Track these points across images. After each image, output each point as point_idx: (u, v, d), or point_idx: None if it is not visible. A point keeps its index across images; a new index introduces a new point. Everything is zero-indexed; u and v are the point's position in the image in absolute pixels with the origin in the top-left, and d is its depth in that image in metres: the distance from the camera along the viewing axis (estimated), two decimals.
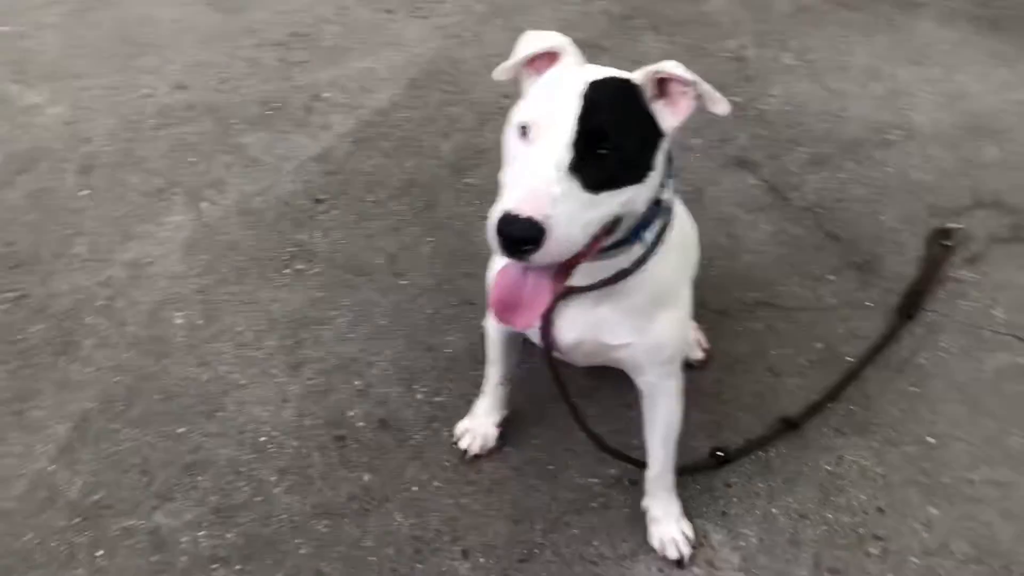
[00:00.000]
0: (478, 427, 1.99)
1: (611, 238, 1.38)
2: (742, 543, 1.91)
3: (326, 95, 2.74)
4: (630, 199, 1.33)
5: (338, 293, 2.26)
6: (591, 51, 3.00)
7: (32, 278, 2.24)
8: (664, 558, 1.87)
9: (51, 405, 2.02)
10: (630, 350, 1.61)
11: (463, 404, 2.08)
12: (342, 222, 2.41)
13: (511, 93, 2.76)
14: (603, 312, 1.55)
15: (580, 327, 1.58)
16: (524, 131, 1.30)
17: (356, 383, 2.10)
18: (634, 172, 1.32)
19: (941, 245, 2.49)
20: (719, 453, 2.00)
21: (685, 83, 1.32)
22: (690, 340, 2.19)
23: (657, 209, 1.45)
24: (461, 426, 2.02)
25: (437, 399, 2.09)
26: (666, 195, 1.47)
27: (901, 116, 2.89)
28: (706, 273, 2.38)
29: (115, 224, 2.37)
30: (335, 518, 1.89)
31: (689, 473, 1.98)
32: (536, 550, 1.87)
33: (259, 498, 1.91)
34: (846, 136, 2.79)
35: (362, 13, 3.03)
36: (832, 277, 2.41)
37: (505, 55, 2.68)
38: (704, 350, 2.21)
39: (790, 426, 2.08)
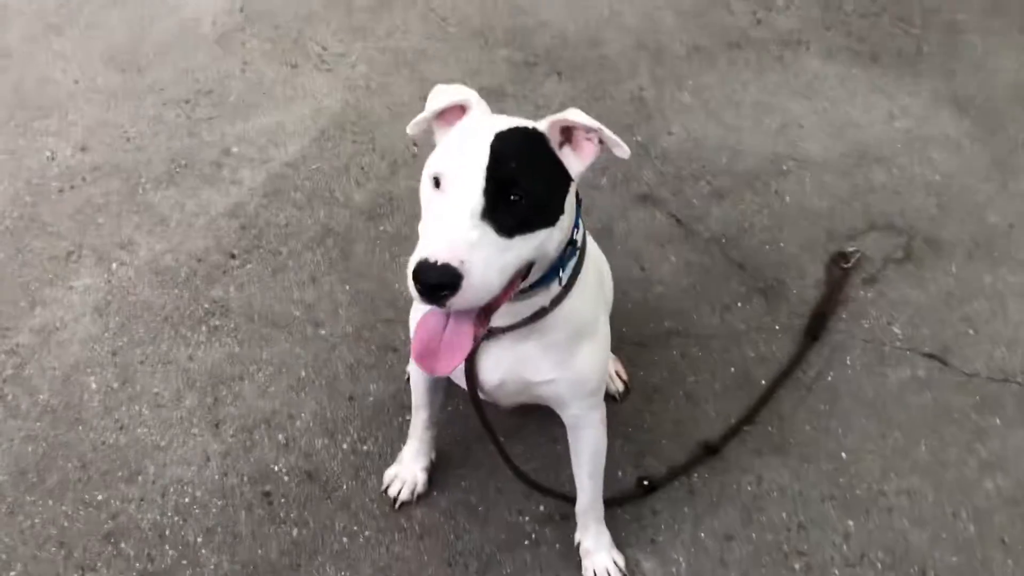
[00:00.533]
0: (406, 473, 2.00)
1: (527, 280, 1.42)
2: (672, 569, 1.96)
3: (235, 150, 2.74)
4: (542, 242, 1.37)
5: (256, 347, 2.25)
6: (495, 96, 3.08)
7: None
8: None
9: None
10: (554, 386, 1.64)
11: (390, 451, 2.08)
12: (257, 276, 2.40)
13: (422, 142, 2.81)
14: (526, 350, 1.58)
15: (504, 367, 1.60)
16: (437, 182, 1.34)
17: (279, 437, 2.08)
18: (545, 216, 1.36)
19: (840, 268, 2.61)
20: (645, 482, 2.05)
21: (588, 130, 1.38)
22: (611, 372, 2.24)
23: (572, 249, 1.50)
24: (389, 473, 2.02)
25: (363, 448, 2.09)
26: (578, 235, 1.52)
27: (794, 147, 3.03)
28: (622, 306, 2.45)
29: (22, 290, 2.30)
30: (266, 575, 1.86)
31: (617, 504, 2.03)
32: None
33: (185, 561, 1.87)
34: (744, 168, 2.92)
35: (266, 68, 3.03)
36: (740, 304, 2.50)
37: (412, 103, 2.75)
38: (624, 381, 2.26)
39: (710, 451, 2.14)
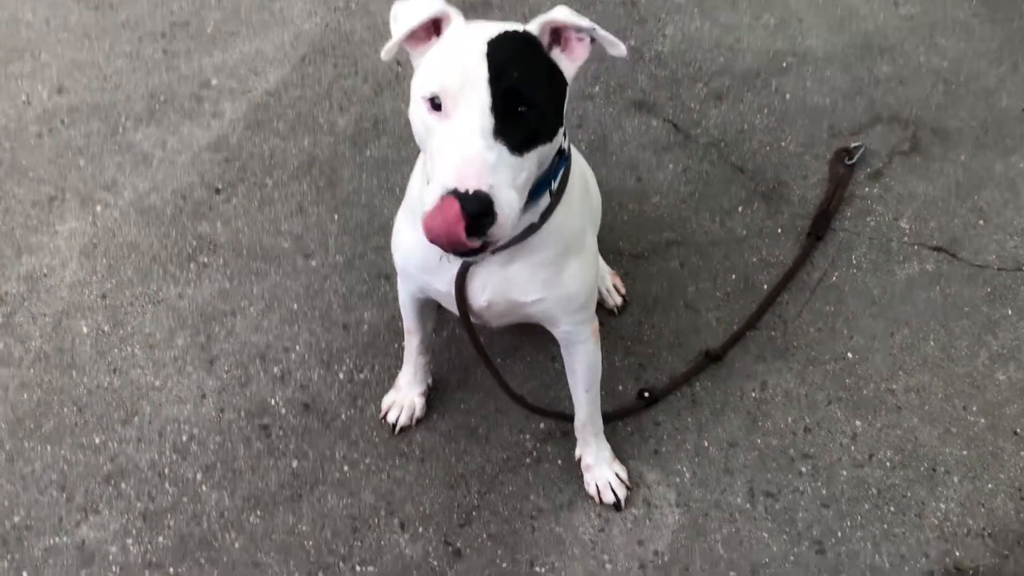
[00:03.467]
0: (403, 399, 1.97)
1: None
2: (676, 479, 1.93)
3: (214, 82, 2.66)
4: (544, 155, 1.31)
5: (246, 282, 2.21)
6: (481, 8, 2.96)
7: None
8: (602, 503, 1.88)
9: None
10: (543, 304, 1.60)
11: (387, 379, 2.05)
12: (244, 209, 2.35)
13: (404, 60, 2.72)
14: (513, 270, 1.53)
15: (491, 289, 1.56)
16: (435, 104, 1.25)
17: (275, 370, 2.06)
18: (549, 126, 1.30)
19: (844, 164, 2.52)
20: (646, 394, 2.01)
21: (579, 29, 1.30)
22: (608, 286, 2.19)
23: (561, 159, 1.44)
24: (387, 400, 2.00)
25: (360, 376, 2.06)
26: (565, 144, 1.46)
27: (794, 43, 2.91)
28: (618, 218, 2.39)
29: (6, 238, 2.27)
30: (267, 508, 1.86)
31: (619, 417, 2.00)
32: (474, 512, 1.86)
33: (186, 498, 1.87)
34: (742, 68, 2.81)
35: None
36: (741, 208, 2.43)
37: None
38: (622, 295, 2.21)
39: (712, 358, 2.10)
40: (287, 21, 2.86)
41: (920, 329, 2.19)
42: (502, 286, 1.55)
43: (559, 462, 1.94)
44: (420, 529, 1.84)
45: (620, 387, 2.06)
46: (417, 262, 1.61)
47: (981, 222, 2.42)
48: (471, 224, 1.19)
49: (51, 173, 2.41)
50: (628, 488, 1.90)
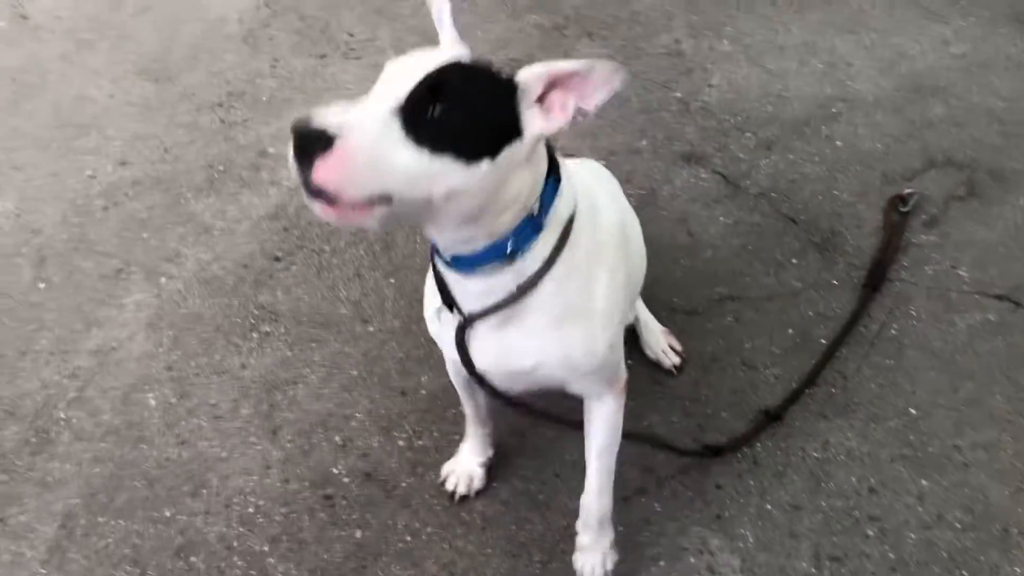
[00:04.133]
0: (462, 467, 1.99)
1: (455, 232, 1.29)
2: (740, 544, 1.91)
3: (271, 151, 2.73)
4: (450, 182, 1.19)
5: (307, 349, 2.25)
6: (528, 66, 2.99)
7: None
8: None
9: (35, 507, 2.00)
10: (544, 370, 1.51)
11: (446, 445, 2.07)
12: (303, 277, 2.40)
13: None
14: (509, 336, 1.46)
15: (491, 355, 1.50)
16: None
17: (336, 439, 2.09)
18: (462, 143, 1.18)
19: (898, 212, 2.50)
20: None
21: (574, 74, 1.21)
22: (664, 347, 2.19)
23: (532, 227, 1.33)
24: (446, 468, 2.01)
25: (419, 443, 2.08)
26: (548, 217, 1.35)
27: (843, 88, 2.90)
28: (670, 274, 2.40)
29: (76, 313, 2.35)
30: None
31: (750, 439, 2.03)
32: None
33: (254, 571, 1.90)
34: (791, 116, 2.80)
35: (296, 63, 3.01)
36: (795, 260, 2.42)
37: None
38: (678, 353, 2.20)
39: (772, 417, 2.09)
40: (340, 87, 2.93)
41: (985, 382, 2.15)
42: (499, 351, 1.49)
43: (620, 528, 1.93)
44: None
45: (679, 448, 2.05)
46: (430, 327, 1.61)
47: None
48: (297, 145, 1.12)
49: (117, 246, 2.50)
50: None
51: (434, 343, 2.23)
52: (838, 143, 2.72)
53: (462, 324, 1.46)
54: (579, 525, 1.85)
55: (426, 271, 2.39)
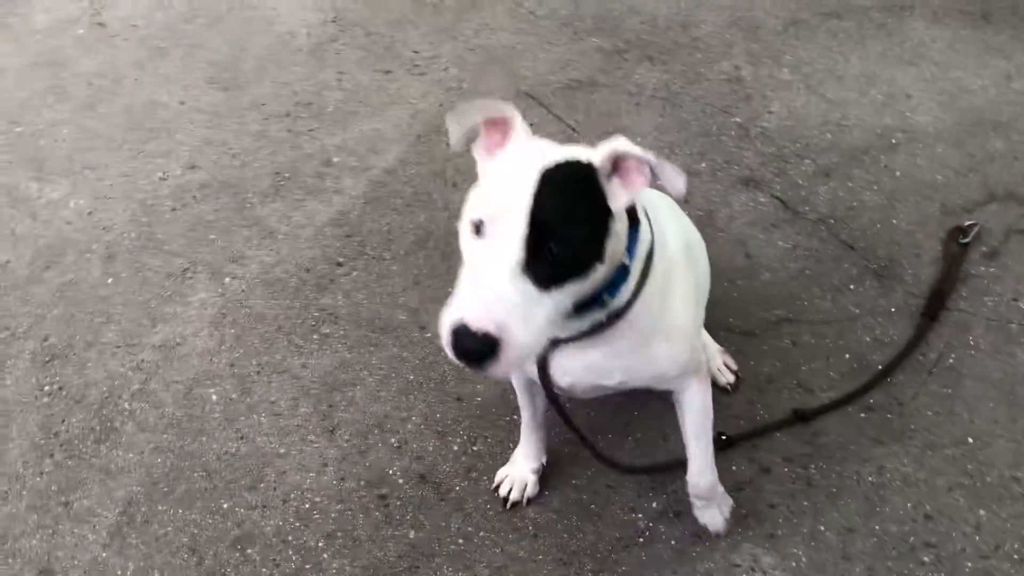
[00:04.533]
0: (517, 473, 2.01)
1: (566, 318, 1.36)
2: (792, 563, 1.91)
3: (335, 160, 2.79)
4: (579, 290, 1.31)
5: (365, 353, 2.29)
6: (587, 88, 3.04)
7: (67, 370, 2.29)
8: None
9: (97, 493, 2.05)
10: (629, 384, 1.61)
11: (499, 452, 2.09)
12: (363, 282, 2.45)
13: None
14: (593, 356, 1.53)
15: (573, 374, 1.57)
16: (478, 228, 1.27)
17: (392, 440, 2.12)
18: (583, 265, 1.29)
19: (958, 243, 2.49)
20: (723, 437, 2.05)
21: (640, 161, 1.30)
22: (719, 365, 2.20)
23: (624, 273, 1.42)
24: (500, 473, 2.03)
25: (473, 448, 2.11)
26: (631, 259, 1.43)
27: (903, 119, 2.90)
28: (728, 295, 2.41)
29: (142, 308, 2.41)
30: None
31: (771, 430, 2.08)
32: None
33: (309, 566, 1.93)
34: (850, 144, 2.81)
35: (362, 77, 3.08)
36: (853, 286, 2.42)
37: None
38: (734, 372, 2.21)
39: (800, 418, 2.11)
40: (403, 101, 2.99)
41: None
42: (582, 371, 1.56)
43: (672, 542, 1.94)
44: None
45: (733, 467, 2.05)
46: None
47: None
48: (463, 359, 1.22)
49: (184, 246, 2.56)
50: (728, 523, 1.93)
51: None
52: (897, 173, 2.72)
53: (547, 348, 1.49)
54: (691, 495, 1.90)
55: None
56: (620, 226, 1.37)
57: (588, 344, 1.49)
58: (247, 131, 2.91)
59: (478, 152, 1.41)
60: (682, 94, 3.00)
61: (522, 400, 1.93)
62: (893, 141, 2.83)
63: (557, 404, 1.69)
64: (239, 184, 2.73)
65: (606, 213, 1.32)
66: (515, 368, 1.26)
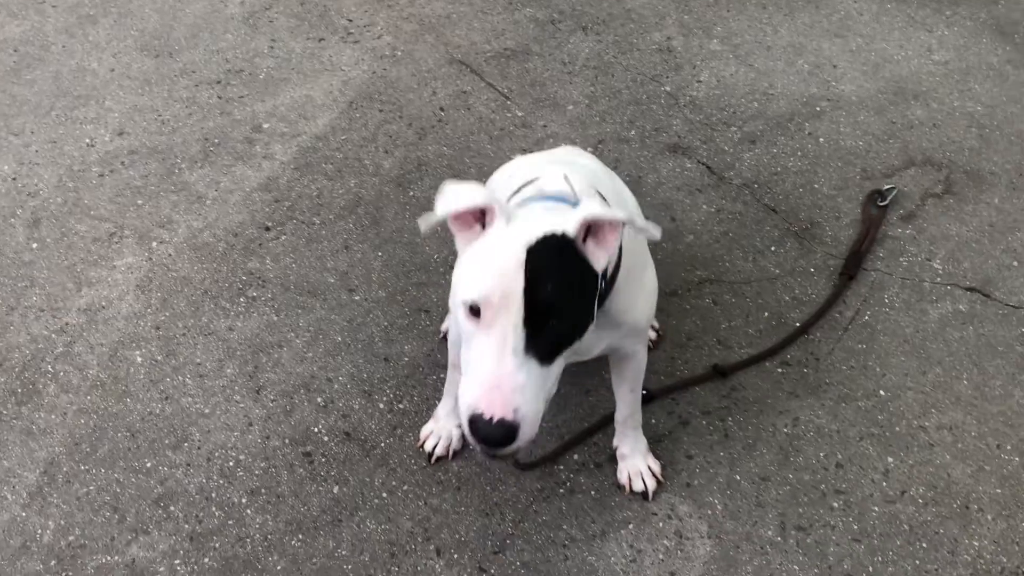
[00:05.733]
0: (441, 429, 2.03)
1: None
2: (708, 511, 1.96)
3: (266, 126, 2.78)
4: (575, 348, 1.38)
5: (293, 315, 2.30)
6: (521, 57, 3.06)
7: None
8: (631, 492, 1.97)
9: (18, 454, 2.03)
10: (603, 350, 1.70)
11: (425, 409, 2.11)
12: (292, 247, 2.45)
13: (447, 105, 2.82)
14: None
15: None
16: (474, 310, 1.31)
17: (318, 400, 2.13)
18: (579, 333, 1.37)
19: (876, 206, 2.56)
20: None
21: (614, 225, 1.35)
22: None
23: (609, 277, 1.51)
24: (425, 429, 2.06)
25: (399, 407, 2.13)
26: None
27: (828, 88, 2.97)
28: (653, 258, 2.44)
29: (68, 272, 2.39)
30: (308, 532, 1.92)
31: (691, 385, 2.15)
32: (508, 540, 1.91)
33: (232, 521, 1.93)
34: (776, 112, 2.87)
35: (294, 45, 3.07)
36: (774, 248, 2.48)
37: (437, 69, 2.79)
38: (656, 330, 2.26)
39: (719, 373, 2.17)
40: (336, 68, 2.99)
41: (953, 368, 2.21)
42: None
43: (592, 493, 1.98)
44: (455, 556, 1.88)
45: (653, 420, 2.10)
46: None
47: (1015, 263, 2.44)
48: (485, 446, 1.30)
49: (111, 211, 2.54)
50: (659, 482, 1.98)
51: (420, 312, 2.30)
52: (820, 140, 2.79)
53: None
54: (616, 440, 2.00)
55: (413, 246, 2.45)
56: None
57: None
58: (177, 97, 2.89)
59: (455, 226, 1.41)
60: (614, 64, 3.03)
61: (457, 358, 1.94)
62: (818, 109, 2.89)
63: None
64: (168, 150, 2.71)
65: (592, 275, 1.38)
66: (531, 438, 1.33)
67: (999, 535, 1.92)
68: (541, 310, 1.29)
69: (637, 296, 1.67)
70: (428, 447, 2.03)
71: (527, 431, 1.29)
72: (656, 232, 1.38)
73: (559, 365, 1.36)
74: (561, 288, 1.32)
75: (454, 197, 1.38)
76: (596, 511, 1.95)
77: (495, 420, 1.27)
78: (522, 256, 1.30)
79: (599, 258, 1.38)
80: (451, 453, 2.02)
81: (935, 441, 2.07)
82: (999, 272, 2.41)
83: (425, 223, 1.39)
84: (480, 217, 1.39)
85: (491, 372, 1.29)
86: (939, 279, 2.40)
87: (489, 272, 1.32)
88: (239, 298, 2.34)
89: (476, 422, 1.28)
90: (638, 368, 1.86)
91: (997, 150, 2.75)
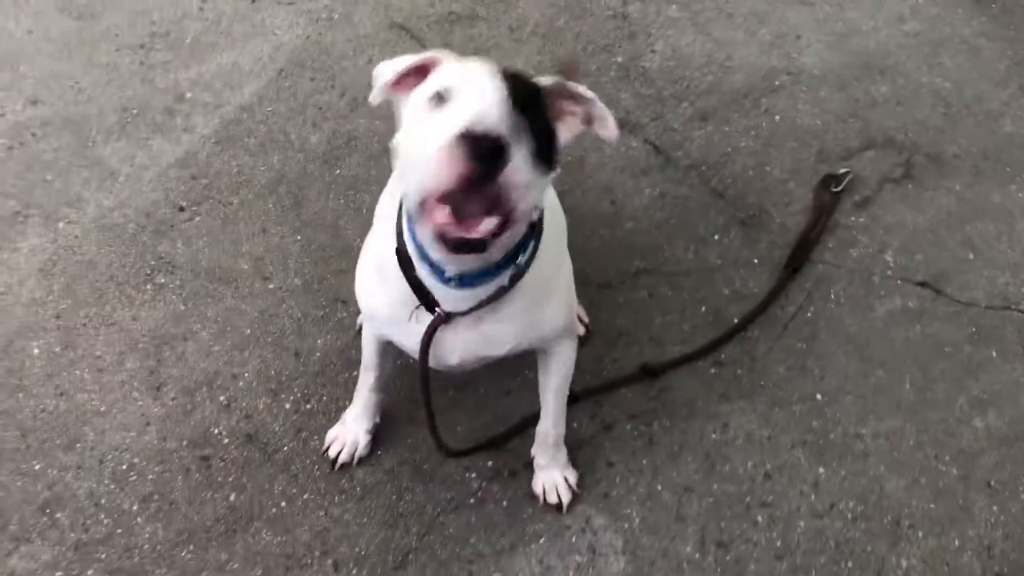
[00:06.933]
0: (347, 434, 1.92)
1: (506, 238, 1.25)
2: (625, 524, 1.86)
3: (188, 95, 2.62)
4: (540, 193, 1.25)
5: (201, 304, 2.17)
6: (466, 22, 2.88)
7: None
8: (545, 503, 1.86)
9: None
10: (520, 348, 1.58)
11: (334, 410, 2.00)
12: (206, 229, 2.31)
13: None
14: (485, 328, 1.49)
15: (463, 349, 1.53)
16: (439, 98, 1.19)
17: (221, 398, 2.02)
18: (546, 154, 1.21)
19: (830, 192, 2.41)
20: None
21: (580, 100, 1.29)
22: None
23: (531, 231, 1.39)
24: (331, 434, 1.94)
25: (306, 407, 2.01)
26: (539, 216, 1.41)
27: (789, 60, 2.80)
28: (588, 245, 2.31)
29: None
30: (200, 543, 1.82)
31: (618, 386, 2.02)
32: (411, 555, 1.81)
33: (120, 530, 1.83)
34: (732, 87, 2.71)
35: (225, 7, 2.88)
36: (717, 236, 2.34)
37: (376, 35, 2.61)
38: (585, 325, 2.13)
39: (648, 373, 2.05)
40: (268, 32, 2.81)
41: (896, 370, 2.09)
42: (475, 346, 1.52)
43: (504, 503, 1.88)
44: (354, 571, 1.78)
45: (575, 424, 1.98)
46: (384, 317, 1.58)
47: (971, 256, 2.31)
48: (480, 171, 1.08)
49: (18, 188, 2.39)
50: (575, 494, 1.86)
51: (337, 303, 2.18)
52: (776, 117, 2.63)
53: (436, 323, 1.45)
54: (534, 450, 1.87)
55: (335, 229, 2.31)
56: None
57: (483, 314, 1.45)
58: (97, 63, 2.71)
59: (395, 91, 1.34)
60: (565, 30, 2.86)
61: (371, 361, 1.83)
62: (776, 83, 2.73)
63: (427, 384, 1.62)
64: (83, 121, 2.55)
65: (553, 133, 1.27)
66: (514, 202, 1.14)
67: (928, 554, 1.82)
68: (521, 94, 1.17)
69: (556, 272, 1.56)
70: (331, 453, 1.91)
71: (517, 173, 1.11)
72: (612, 131, 1.32)
73: (539, 186, 1.21)
74: (533, 96, 1.21)
75: (399, 61, 1.32)
76: (507, 523, 1.85)
77: (486, 133, 1.08)
78: (494, 67, 1.21)
79: (563, 128, 1.31)
80: (356, 460, 1.91)
81: (870, 450, 1.96)
82: (953, 265, 2.28)
83: (375, 94, 1.35)
84: (422, 75, 1.31)
85: (476, 100, 1.14)
86: (890, 272, 2.27)
87: (457, 67, 1.25)
88: (146, 285, 2.20)
89: (465, 136, 1.08)
90: (564, 368, 1.73)
91: (963, 131, 2.60)
